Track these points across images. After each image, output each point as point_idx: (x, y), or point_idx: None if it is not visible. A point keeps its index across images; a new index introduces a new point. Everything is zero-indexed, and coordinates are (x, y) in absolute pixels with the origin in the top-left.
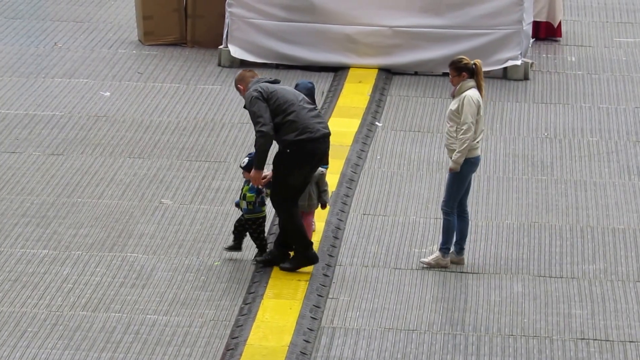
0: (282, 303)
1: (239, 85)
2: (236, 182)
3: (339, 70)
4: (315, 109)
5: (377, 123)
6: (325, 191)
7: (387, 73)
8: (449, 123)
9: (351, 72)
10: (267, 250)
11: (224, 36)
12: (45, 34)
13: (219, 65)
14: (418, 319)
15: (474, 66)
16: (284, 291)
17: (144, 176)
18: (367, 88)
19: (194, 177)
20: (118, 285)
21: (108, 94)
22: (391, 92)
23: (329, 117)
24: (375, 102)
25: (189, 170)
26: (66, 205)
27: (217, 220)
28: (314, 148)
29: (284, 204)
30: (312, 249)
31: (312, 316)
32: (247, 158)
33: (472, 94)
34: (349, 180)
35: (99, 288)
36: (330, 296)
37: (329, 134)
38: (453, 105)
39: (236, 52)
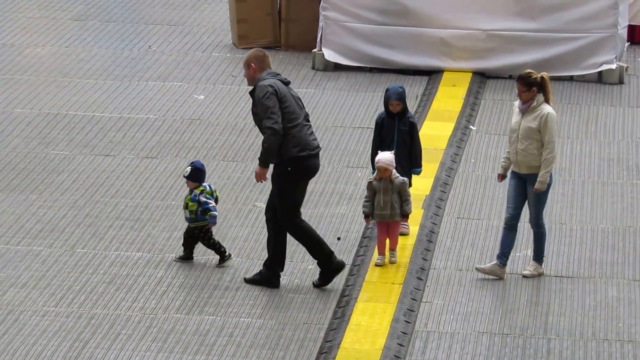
0: (375, 306)
1: (252, 64)
2: (330, 184)
3: (433, 74)
4: (310, 125)
5: (471, 127)
6: (407, 201)
7: (481, 77)
8: (526, 141)
9: (445, 75)
10: (226, 255)
11: (318, 39)
12: (140, 37)
13: (313, 68)
14: (512, 322)
15: (542, 80)
16: (378, 295)
17: (237, 179)
18: (461, 92)
19: None
20: (212, 288)
21: (202, 97)
22: (485, 95)
23: (423, 120)
24: (470, 106)
25: None
26: (160, 208)
27: (311, 222)
28: (314, 164)
29: (291, 220)
30: (334, 256)
31: (406, 320)
32: (190, 167)
33: (552, 111)
34: (443, 183)
35: (192, 290)
36: (424, 300)
37: (320, 149)
38: (531, 122)
39: (330, 55)
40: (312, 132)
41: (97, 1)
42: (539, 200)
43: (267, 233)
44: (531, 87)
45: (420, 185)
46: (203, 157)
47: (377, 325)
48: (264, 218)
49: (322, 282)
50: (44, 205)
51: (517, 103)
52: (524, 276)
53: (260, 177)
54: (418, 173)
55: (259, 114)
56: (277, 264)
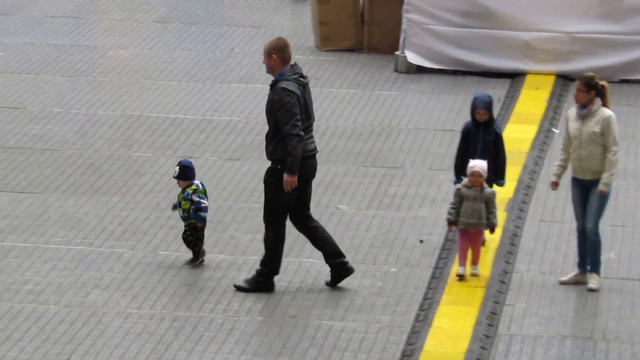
0: (458, 309)
1: (273, 55)
2: (412, 187)
3: (516, 77)
4: (311, 128)
5: (554, 129)
6: (493, 213)
7: (565, 79)
8: (590, 146)
9: (528, 78)
10: (200, 259)
11: (401, 42)
12: (222, 40)
13: (396, 71)
14: (595, 326)
15: (602, 87)
16: (460, 298)
17: (320, 182)
18: (544, 94)
19: (370, 183)
20: (294, 291)
21: None
22: (568, 98)
23: (506, 123)
24: (552, 109)
25: (365, 176)
26: (243, 210)
27: (393, 226)
28: (311, 164)
29: (276, 221)
30: (273, 278)
31: (489, 323)
32: (178, 167)
33: (612, 113)
34: (526, 186)
35: (275, 293)
36: (507, 303)
37: (317, 152)
38: (594, 127)
39: (413, 58)
40: (311, 136)
41: (180, 3)
42: (601, 206)
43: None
44: (590, 90)
45: (503, 188)
46: None
47: (459, 329)
48: (347, 221)
49: (250, 286)
50: (127, 207)
51: (573, 110)
52: (591, 290)
53: (289, 183)
54: (501, 185)
55: (281, 119)
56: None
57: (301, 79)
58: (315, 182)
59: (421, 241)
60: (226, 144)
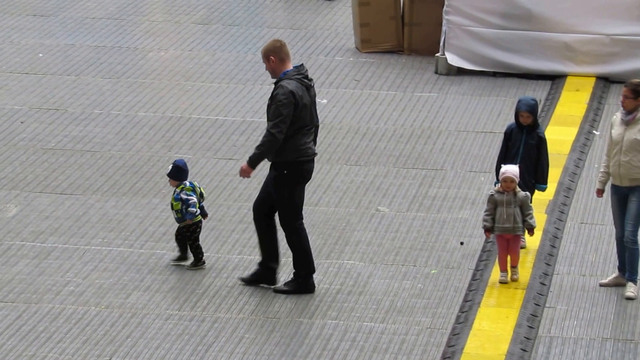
0: (498, 311)
1: (271, 57)
2: (452, 189)
3: (556, 79)
4: (313, 132)
5: (594, 132)
6: (530, 214)
7: (605, 81)
8: (630, 153)
9: (569, 80)
10: (201, 262)
11: (441, 44)
12: (263, 41)
13: (436, 72)
14: (636, 328)
15: None
16: (501, 299)
17: (360, 183)
18: (584, 96)
19: (410, 185)
20: (335, 293)
21: (325, 101)
22: (609, 100)
23: (547, 125)
24: (593, 111)
25: (406, 177)
26: None
27: (434, 228)
28: (309, 168)
29: (292, 223)
30: (312, 277)
31: (529, 325)
32: (171, 165)
33: None
34: (566, 189)
35: (316, 295)
36: (547, 305)
37: (316, 155)
38: (637, 134)
39: (453, 59)
40: (312, 140)
41: (221, 5)
42: (639, 214)
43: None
44: (638, 96)
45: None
46: (326, 161)
47: (500, 331)
48: (387, 222)
49: (283, 288)
50: (167, 208)
51: (618, 114)
52: (628, 298)
53: (245, 173)
54: (543, 190)
55: (269, 113)
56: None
57: (305, 80)
58: (356, 183)
59: (462, 243)
60: None
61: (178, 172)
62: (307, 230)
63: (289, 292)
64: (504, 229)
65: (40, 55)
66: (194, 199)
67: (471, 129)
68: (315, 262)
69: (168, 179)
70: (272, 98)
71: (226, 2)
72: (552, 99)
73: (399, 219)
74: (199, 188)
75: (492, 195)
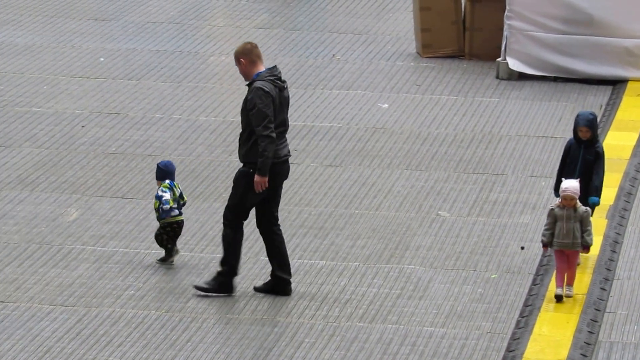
0: (559, 316)
1: (241, 59)
2: (513, 194)
3: (617, 84)
4: (285, 132)
5: None
6: (588, 231)
7: None
8: None
9: (630, 85)
10: (172, 260)
11: (502, 49)
12: (324, 46)
13: (497, 77)
14: None
15: None
16: (561, 305)
17: (421, 188)
18: None
19: (471, 190)
20: (395, 297)
21: (386, 105)
22: None
23: (607, 130)
24: None
25: (466, 182)
26: (344, 217)
27: (495, 232)
28: (284, 169)
29: (237, 220)
30: (234, 279)
31: (589, 330)
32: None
33: None
34: (627, 193)
35: (376, 299)
36: (607, 310)
37: (289, 156)
38: None
39: (514, 64)
40: (285, 141)
41: (282, 10)
42: None
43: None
44: None
45: (604, 195)
46: (387, 165)
47: (560, 336)
48: (448, 227)
49: (204, 286)
50: None
51: None
52: None
53: (260, 185)
54: (596, 203)
55: (253, 120)
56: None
57: (278, 81)
58: (417, 188)
59: (522, 248)
60: (327, 150)
61: (159, 172)
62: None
63: (208, 290)
64: (563, 244)
65: (102, 59)
66: (167, 195)
67: (532, 133)
68: (376, 267)
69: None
70: (248, 101)
71: (287, 6)
72: (613, 104)
73: (460, 223)
74: (179, 189)
75: (552, 209)
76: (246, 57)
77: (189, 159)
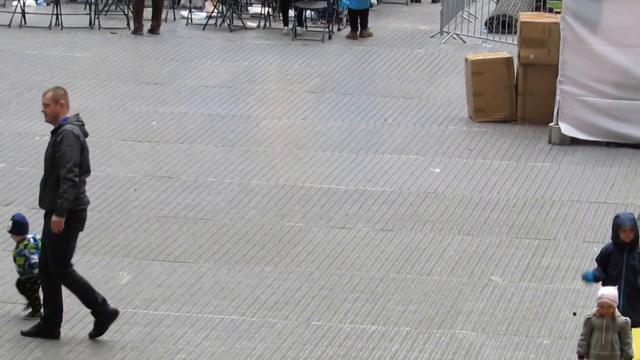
0: None
1: (62, 101)
2: (565, 259)
3: None
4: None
5: None
6: (629, 344)
7: None
8: None
9: None
10: (39, 312)
11: (555, 113)
12: (376, 110)
13: (549, 142)
14: None
15: None
16: None
17: (473, 253)
18: None
19: (523, 255)
20: None
21: (438, 170)
22: None
23: None
24: None
25: (518, 247)
26: (395, 281)
27: (547, 298)
28: (85, 217)
29: (64, 269)
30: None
31: None
32: (11, 222)
33: None
34: None
35: None
36: None
37: (89, 203)
38: None
39: (567, 129)
40: (84, 189)
41: (334, 74)
42: None
43: (51, 288)
44: None
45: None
46: (439, 230)
47: None
48: (500, 292)
49: (98, 331)
50: (279, 277)
51: None
52: None
53: (58, 225)
54: (628, 319)
55: (60, 160)
56: (55, 315)
57: (84, 127)
58: (468, 253)
59: (574, 314)
60: (379, 214)
61: (19, 227)
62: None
63: (34, 334)
64: (601, 356)
65: (154, 123)
66: (36, 258)
67: (584, 199)
68: (428, 332)
69: (11, 235)
70: (57, 144)
71: (339, 70)
72: None
73: (512, 288)
74: (40, 241)
75: (589, 318)
76: (64, 100)
77: (241, 222)
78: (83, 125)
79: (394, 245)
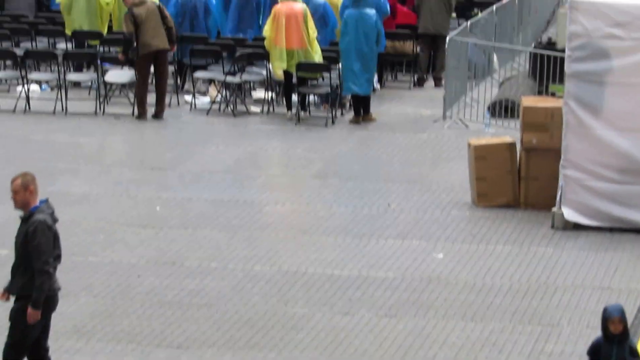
0: None
1: (31, 187)
2: (569, 346)
3: None
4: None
5: None
6: None
7: None
8: None
9: None
10: None
11: (558, 198)
12: (379, 195)
13: (552, 227)
14: None
15: None
16: None
17: (476, 339)
18: None
19: (526, 341)
20: None
21: (441, 255)
22: None
23: None
24: None
25: (522, 333)
26: None
27: None
28: (56, 301)
29: (18, 356)
30: None
31: None
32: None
33: None
34: None
35: None
36: None
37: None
38: None
39: (570, 214)
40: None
41: (337, 159)
42: None
43: None
44: None
45: None
46: (442, 316)
47: None
48: None
49: None
50: None
51: None
52: None
53: (34, 316)
54: None
55: (34, 253)
56: None
57: (54, 215)
58: (472, 339)
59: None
60: (382, 300)
61: None
62: None
63: None
64: None
65: (158, 208)
66: None
67: (587, 284)
68: None
69: None
70: (30, 234)
71: (343, 155)
72: None
73: None
74: None
75: None
76: (34, 186)
77: (245, 308)
78: (53, 212)
79: (397, 331)
